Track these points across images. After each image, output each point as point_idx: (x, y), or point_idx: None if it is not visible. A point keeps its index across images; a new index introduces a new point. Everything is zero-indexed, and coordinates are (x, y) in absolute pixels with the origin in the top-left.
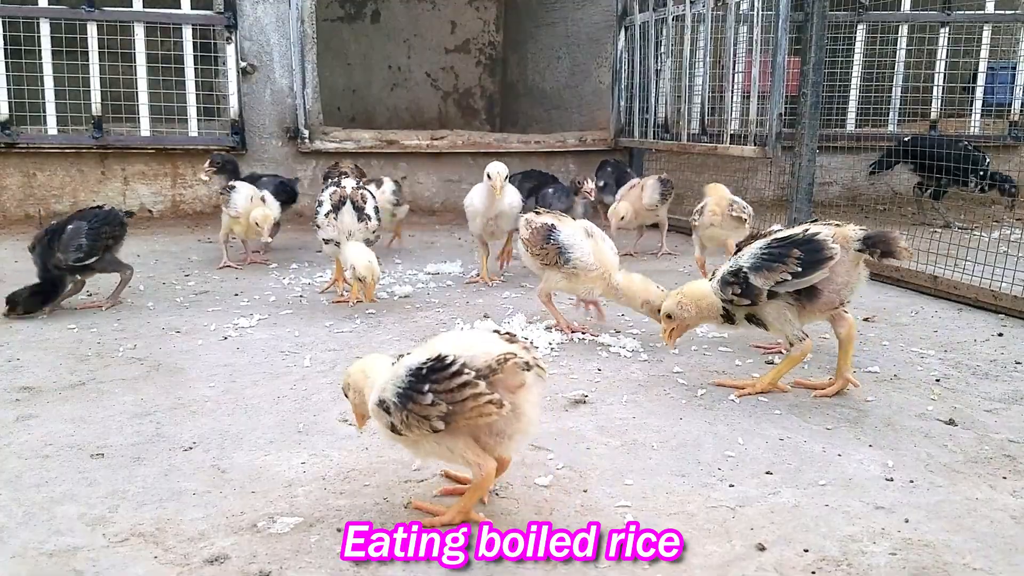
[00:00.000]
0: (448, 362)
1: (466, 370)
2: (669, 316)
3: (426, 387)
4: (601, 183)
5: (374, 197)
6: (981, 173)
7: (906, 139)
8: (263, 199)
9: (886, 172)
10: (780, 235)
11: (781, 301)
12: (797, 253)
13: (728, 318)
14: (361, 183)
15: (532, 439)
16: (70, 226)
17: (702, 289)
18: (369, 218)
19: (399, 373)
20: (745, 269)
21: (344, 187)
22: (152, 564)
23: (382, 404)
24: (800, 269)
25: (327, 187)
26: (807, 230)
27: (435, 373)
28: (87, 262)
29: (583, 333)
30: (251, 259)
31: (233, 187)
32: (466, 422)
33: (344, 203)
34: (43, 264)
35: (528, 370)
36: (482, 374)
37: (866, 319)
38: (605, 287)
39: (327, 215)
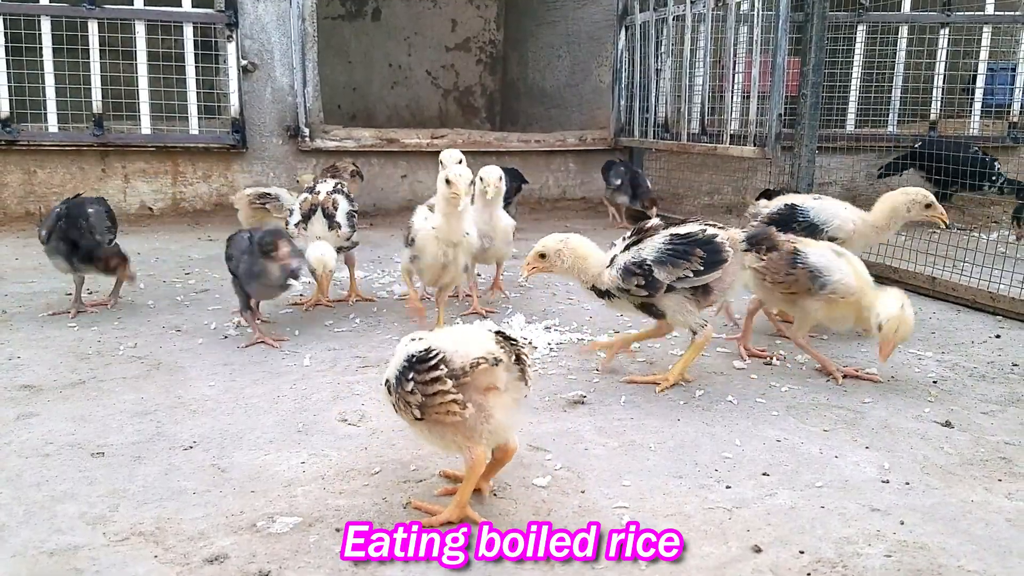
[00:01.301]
0: (430, 356)
1: (441, 367)
2: (543, 256)
3: (410, 375)
4: (617, 182)
5: (349, 201)
6: (993, 178)
7: (918, 144)
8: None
9: (895, 175)
10: (680, 231)
11: (680, 295)
12: (700, 253)
13: (602, 294)
14: (338, 185)
15: (501, 440)
16: (90, 209)
17: (587, 250)
18: (340, 226)
19: (401, 356)
20: (649, 262)
21: (317, 193)
22: (152, 563)
23: (387, 383)
24: (702, 268)
25: (300, 194)
26: (704, 230)
27: (419, 364)
28: (111, 242)
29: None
30: None
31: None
32: (436, 416)
33: (315, 211)
34: (72, 243)
35: (496, 365)
36: (454, 374)
37: None
38: (859, 315)
39: (296, 225)
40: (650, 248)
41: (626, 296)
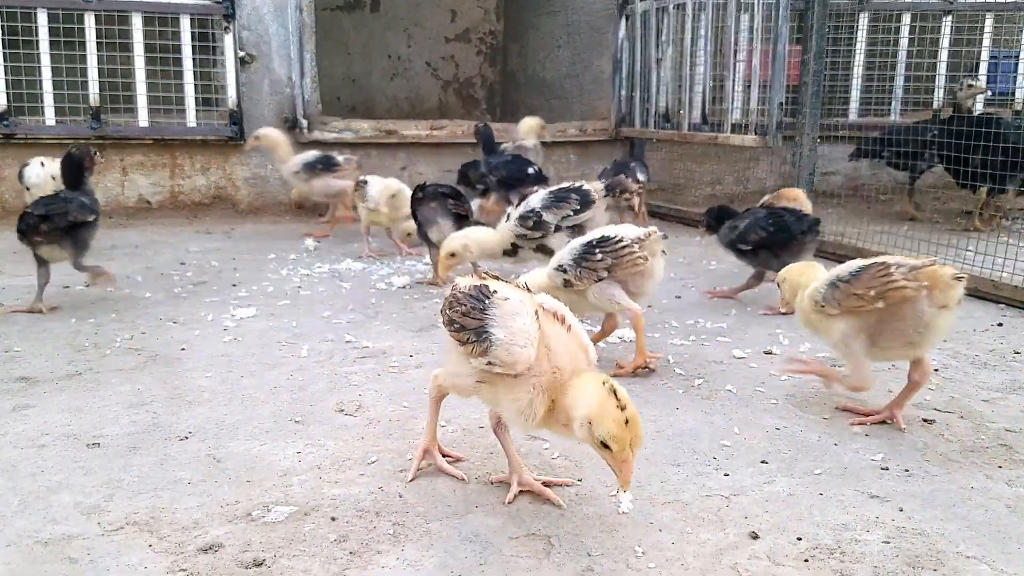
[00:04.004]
0: (612, 235)
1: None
2: (453, 255)
3: (596, 250)
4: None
5: None
6: None
7: None
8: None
9: None
10: (555, 188)
11: (563, 235)
12: (575, 196)
13: (512, 251)
14: None
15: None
16: None
17: (484, 235)
18: None
19: (576, 243)
20: (538, 209)
21: None
22: (146, 552)
23: (560, 267)
24: (579, 207)
25: None
26: (575, 182)
27: (603, 242)
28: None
29: None
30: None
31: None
32: (621, 272)
33: None
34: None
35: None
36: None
37: None
38: None
39: None
40: (536, 199)
41: (525, 242)
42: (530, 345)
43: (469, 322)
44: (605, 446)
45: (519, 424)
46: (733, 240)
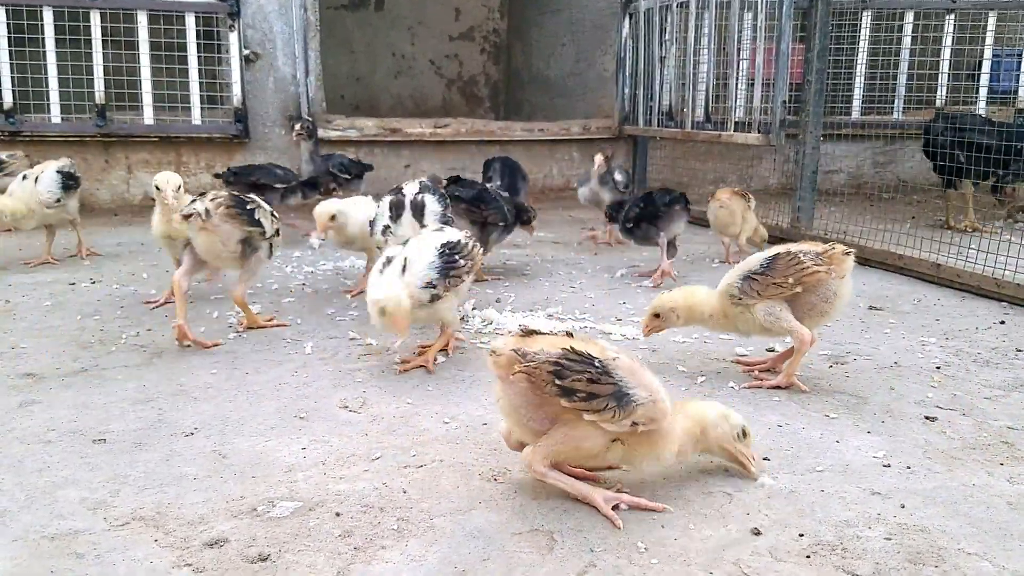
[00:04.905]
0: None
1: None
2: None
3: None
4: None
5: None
6: None
7: None
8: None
9: None
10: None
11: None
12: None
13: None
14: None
15: None
16: None
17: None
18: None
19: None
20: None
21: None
22: (152, 547)
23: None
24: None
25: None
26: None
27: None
28: None
29: None
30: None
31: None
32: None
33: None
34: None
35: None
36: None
37: (872, 307)
38: None
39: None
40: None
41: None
42: (666, 396)
43: (602, 389)
44: (743, 435)
45: (653, 467)
46: (622, 221)
